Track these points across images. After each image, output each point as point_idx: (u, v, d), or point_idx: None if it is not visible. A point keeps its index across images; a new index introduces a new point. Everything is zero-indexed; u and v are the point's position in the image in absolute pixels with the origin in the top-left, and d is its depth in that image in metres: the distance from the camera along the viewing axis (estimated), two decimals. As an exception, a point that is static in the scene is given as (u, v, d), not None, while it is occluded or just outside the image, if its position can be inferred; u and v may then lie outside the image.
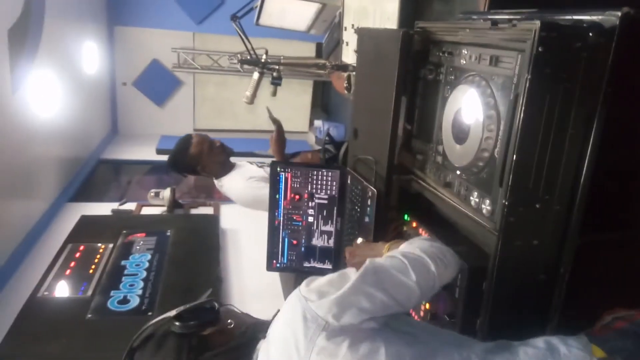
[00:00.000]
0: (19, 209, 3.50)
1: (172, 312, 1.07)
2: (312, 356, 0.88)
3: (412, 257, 1.02)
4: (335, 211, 1.75)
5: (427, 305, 1.30)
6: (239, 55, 2.51)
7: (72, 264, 3.00)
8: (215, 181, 2.78)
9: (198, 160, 2.68)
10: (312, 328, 0.89)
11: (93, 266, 2.98)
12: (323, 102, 7.56)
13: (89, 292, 2.73)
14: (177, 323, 1.04)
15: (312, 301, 0.91)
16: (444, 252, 1.07)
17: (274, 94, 2.78)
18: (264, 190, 2.55)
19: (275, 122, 2.62)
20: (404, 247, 1.12)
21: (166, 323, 1.06)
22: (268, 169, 2.70)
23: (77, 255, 3.10)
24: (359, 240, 1.49)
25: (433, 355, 0.90)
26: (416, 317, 1.34)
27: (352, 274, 0.97)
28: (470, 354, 0.92)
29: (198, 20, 6.34)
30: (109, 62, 6.30)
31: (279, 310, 1.00)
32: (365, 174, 1.58)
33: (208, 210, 4.18)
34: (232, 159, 2.84)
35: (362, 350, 0.88)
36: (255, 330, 1.05)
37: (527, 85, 0.95)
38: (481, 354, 0.92)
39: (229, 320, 1.09)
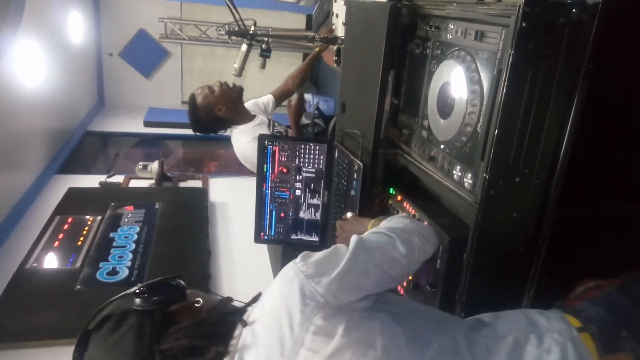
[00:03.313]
0: (6, 181, 3.47)
1: (131, 290, 0.95)
2: (308, 335, 0.84)
3: (398, 232, 1.05)
4: (322, 185, 1.77)
5: (410, 276, 1.33)
6: (226, 26, 2.48)
7: (61, 235, 3.01)
8: (231, 129, 2.82)
9: (210, 106, 2.73)
10: (310, 305, 0.85)
11: (81, 238, 2.99)
12: (313, 76, 7.49)
13: (78, 264, 2.74)
14: (137, 300, 0.92)
15: (311, 278, 0.87)
16: (422, 226, 1.12)
17: (263, 66, 2.77)
18: None
19: (298, 92, 2.64)
20: (387, 223, 1.14)
21: (125, 301, 0.93)
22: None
23: (65, 227, 3.10)
24: (349, 214, 1.52)
25: (424, 334, 0.90)
26: (400, 289, 1.37)
27: (344, 250, 0.96)
28: (457, 332, 0.92)
29: (186, -10, 6.22)
30: (94, 32, 6.18)
31: (259, 294, 0.95)
32: (352, 148, 1.60)
33: (197, 184, 4.18)
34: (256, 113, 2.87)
35: (360, 330, 0.86)
36: (227, 308, 0.97)
37: (510, 60, 0.96)
38: (466, 331, 0.93)
39: (196, 299, 0.98)
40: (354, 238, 0.99)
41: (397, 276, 1.00)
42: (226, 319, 0.93)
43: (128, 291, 0.95)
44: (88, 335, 0.92)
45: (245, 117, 2.79)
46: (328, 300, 0.85)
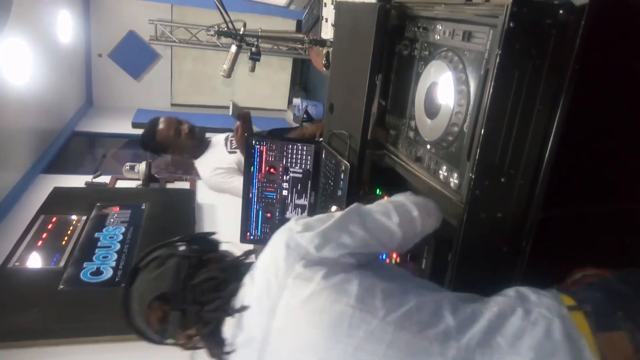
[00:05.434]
0: (-11, 180, 3.43)
1: (177, 238, 1.15)
2: (289, 280, 0.93)
3: (396, 203, 1.10)
4: (309, 185, 1.77)
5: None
6: (216, 27, 2.47)
7: (44, 235, 2.96)
8: (193, 161, 2.79)
9: (166, 145, 2.72)
10: (293, 255, 0.94)
11: (66, 238, 2.94)
12: (302, 80, 7.51)
13: (62, 263, 2.70)
14: (181, 247, 1.11)
15: (297, 232, 0.98)
16: (426, 201, 1.15)
17: (253, 69, 2.76)
18: (228, 184, 2.56)
19: (240, 116, 2.45)
20: (390, 197, 1.18)
21: (171, 247, 1.12)
22: (238, 154, 2.67)
23: (50, 226, 3.06)
24: (334, 208, 1.51)
25: (405, 292, 0.94)
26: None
27: (337, 213, 1.03)
28: (443, 298, 0.95)
29: (177, -8, 6.20)
30: (84, 32, 6.14)
31: None
32: (339, 149, 1.60)
33: (184, 185, 4.15)
34: (209, 134, 2.83)
35: (337, 278, 0.92)
36: (246, 263, 1.11)
37: (497, 60, 0.97)
38: (453, 299, 0.96)
39: (227, 252, 1.16)
40: (353, 204, 1.08)
41: (386, 242, 1.05)
42: (244, 263, 1.10)
43: (175, 239, 1.14)
44: (137, 271, 1.11)
45: (202, 150, 2.76)
46: (309, 252, 0.95)
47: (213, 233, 1.21)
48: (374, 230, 1.02)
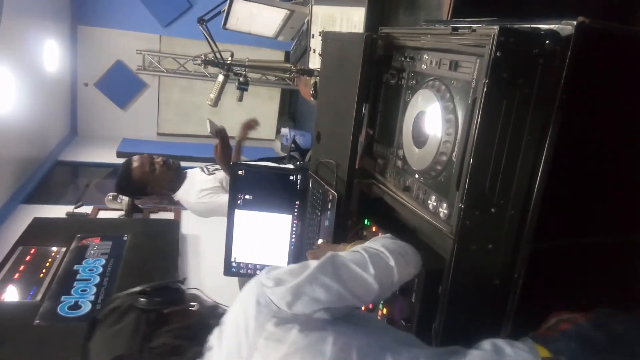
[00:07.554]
0: (-33, 210, 3.35)
1: (138, 288, 1.08)
2: (260, 340, 0.88)
3: (372, 252, 1.04)
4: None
5: (385, 310, 1.29)
6: (203, 56, 2.47)
7: (22, 267, 2.88)
8: (173, 196, 2.74)
9: (144, 183, 2.64)
10: (264, 313, 0.90)
11: (44, 270, 2.87)
12: (290, 110, 7.55)
13: (38, 297, 2.62)
14: (141, 298, 1.05)
15: (268, 287, 0.93)
16: (405, 249, 1.09)
17: (240, 99, 2.75)
18: (217, 202, 2.51)
19: (217, 133, 2.46)
20: (367, 243, 1.13)
21: (131, 298, 1.07)
22: (219, 174, 2.64)
23: (28, 258, 2.98)
24: (320, 241, 1.48)
25: (381, 350, 0.90)
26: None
27: (312, 264, 0.98)
28: (420, 354, 0.92)
29: (165, 23, 6.24)
30: (70, 62, 6.13)
31: None
32: (326, 178, 1.57)
33: (169, 215, 4.09)
34: (185, 163, 2.79)
35: (310, 338, 0.88)
36: (213, 315, 1.05)
37: (485, 89, 0.96)
38: (431, 355, 0.92)
39: (192, 303, 1.10)
40: (328, 253, 1.02)
41: (362, 295, 1.00)
42: (210, 323, 1.01)
43: (136, 289, 1.08)
44: (95, 323, 1.05)
45: (180, 182, 2.71)
46: (281, 309, 0.90)
47: (179, 281, 1.15)
48: (349, 283, 0.97)
